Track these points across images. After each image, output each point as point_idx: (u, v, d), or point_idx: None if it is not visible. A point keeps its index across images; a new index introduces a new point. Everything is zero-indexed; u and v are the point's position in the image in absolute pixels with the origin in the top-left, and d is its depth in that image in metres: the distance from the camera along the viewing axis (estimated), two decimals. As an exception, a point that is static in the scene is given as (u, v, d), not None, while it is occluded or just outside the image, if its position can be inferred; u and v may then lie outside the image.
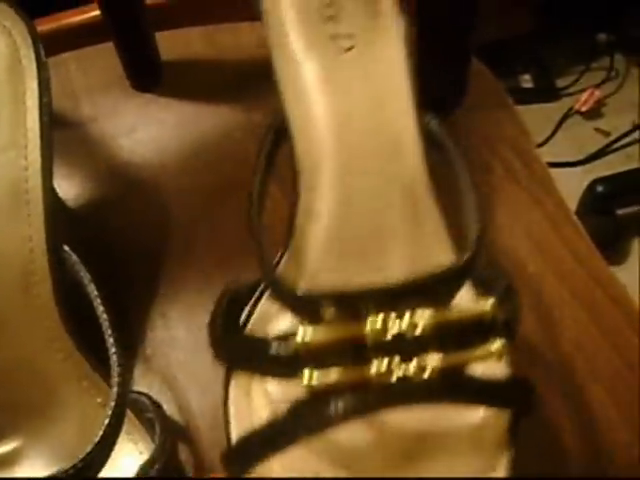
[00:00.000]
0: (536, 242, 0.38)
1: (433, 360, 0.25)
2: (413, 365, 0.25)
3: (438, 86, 0.42)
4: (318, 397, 0.25)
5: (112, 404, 0.30)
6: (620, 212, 0.94)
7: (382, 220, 0.31)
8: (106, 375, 0.33)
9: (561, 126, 1.04)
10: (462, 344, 0.25)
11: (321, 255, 0.30)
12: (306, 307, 0.27)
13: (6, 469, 0.33)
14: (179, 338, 0.37)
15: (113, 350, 0.31)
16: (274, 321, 0.30)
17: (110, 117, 0.43)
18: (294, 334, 0.26)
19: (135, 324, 0.37)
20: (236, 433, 0.29)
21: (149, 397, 0.34)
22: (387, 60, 0.33)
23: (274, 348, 0.26)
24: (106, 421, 0.29)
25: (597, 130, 1.03)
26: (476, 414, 0.27)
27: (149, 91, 0.44)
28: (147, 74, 0.45)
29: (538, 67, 1.07)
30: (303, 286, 0.29)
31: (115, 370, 0.30)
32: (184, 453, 0.34)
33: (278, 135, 0.32)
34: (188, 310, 0.38)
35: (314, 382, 0.25)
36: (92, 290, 0.32)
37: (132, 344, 0.36)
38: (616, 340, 0.35)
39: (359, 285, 0.26)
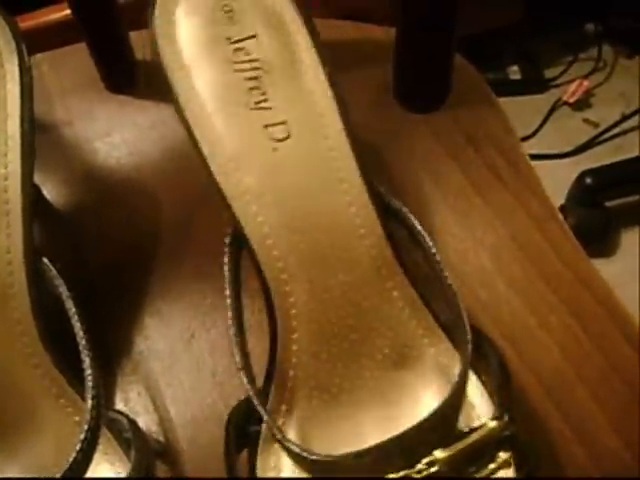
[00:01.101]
0: (521, 244, 0.37)
1: None
2: None
3: (420, 84, 0.41)
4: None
5: (85, 427, 0.29)
6: (609, 204, 0.93)
7: (362, 309, 0.32)
8: (84, 392, 0.32)
9: (550, 117, 1.04)
10: (475, 464, 0.27)
11: (310, 359, 0.31)
12: (325, 470, 0.27)
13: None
14: (158, 350, 0.36)
15: (89, 372, 0.30)
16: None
17: (85, 120, 0.42)
18: None
19: (113, 335, 0.36)
20: None
21: (126, 416, 0.33)
22: (327, 138, 0.32)
23: None
24: (80, 441, 0.28)
25: (586, 121, 1.03)
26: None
27: (124, 92, 0.43)
28: (121, 75, 0.43)
29: (526, 58, 1.06)
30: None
31: (89, 392, 0.30)
32: (162, 469, 0.33)
33: (237, 242, 0.32)
34: (167, 321, 0.37)
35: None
36: (70, 306, 0.31)
37: (110, 356, 0.36)
38: (603, 343, 0.35)
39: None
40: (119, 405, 0.35)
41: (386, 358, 0.32)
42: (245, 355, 0.29)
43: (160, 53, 0.32)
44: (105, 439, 0.31)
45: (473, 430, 0.27)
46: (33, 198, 0.32)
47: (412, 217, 0.32)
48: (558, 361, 0.34)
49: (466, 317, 0.29)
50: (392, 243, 0.32)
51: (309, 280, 0.31)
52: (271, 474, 0.31)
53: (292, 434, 0.31)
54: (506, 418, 0.27)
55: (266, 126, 0.32)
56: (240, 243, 0.32)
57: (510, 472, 0.28)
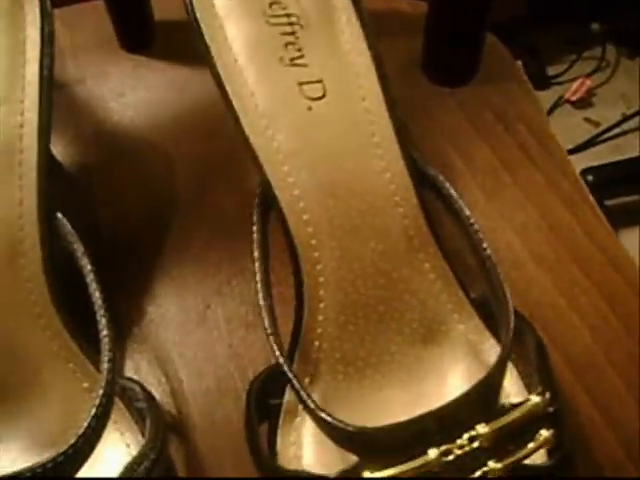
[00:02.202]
0: (551, 224, 0.36)
1: (493, 466, 0.25)
2: (477, 476, 0.25)
3: (451, 57, 0.40)
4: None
5: (100, 392, 0.27)
6: (609, 203, 0.93)
7: (391, 279, 0.30)
8: (94, 358, 0.30)
9: (551, 115, 1.03)
10: (516, 441, 0.26)
11: (336, 330, 0.30)
12: (360, 443, 0.25)
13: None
14: (170, 318, 0.34)
15: (105, 332, 0.28)
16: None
17: (98, 79, 0.40)
18: (352, 471, 0.25)
19: (123, 302, 0.34)
20: None
21: (141, 385, 0.31)
22: (364, 100, 0.31)
23: None
24: (92, 411, 0.26)
25: (587, 120, 1.02)
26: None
27: (139, 53, 0.41)
28: (139, 34, 0.41)
29: (529, 54, 1.05)
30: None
31: (106, 354, 0.28)
32: (173, 443, 0.32)
33: (266, 204, 0.30)
34: (181, 290, 0.35)
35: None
36: (85, 264, 0.29)
37: (120, 323, 0.34)
38: (632, 326, 0.34)
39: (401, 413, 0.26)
40: (129, 375, 0.33)
41: (414, 333, 0.31)
42: (273, 320, 0.28)
43: (193, 3, 0.30)
44: (115, 407, 0.29)
45: (514, 407, 0.26)
46: (49, 150, 0.30)
47: (448, 186, 0.30)
48: (588, 343, 0.33)
49: (507, 288, 0.28)
50: (426, 213, 0.31)
51: (339, 247, 0.30)
52: (291, 450, 0.30)
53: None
54: (549, 395, 0.26)
55: (301, 84, 0.31)
56: (268, 205, 0.30)
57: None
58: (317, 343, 0.30)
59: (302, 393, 0.26)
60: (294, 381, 0.26)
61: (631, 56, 1.09)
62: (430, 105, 0.39)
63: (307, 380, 0.30)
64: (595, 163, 0.94)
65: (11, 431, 0.30)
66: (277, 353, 0.27)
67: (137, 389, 0.31)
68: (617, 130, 1.01)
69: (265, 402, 0.30)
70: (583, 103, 1.04)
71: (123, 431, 0.30)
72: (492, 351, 0.30)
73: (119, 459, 0.28)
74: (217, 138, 0.38)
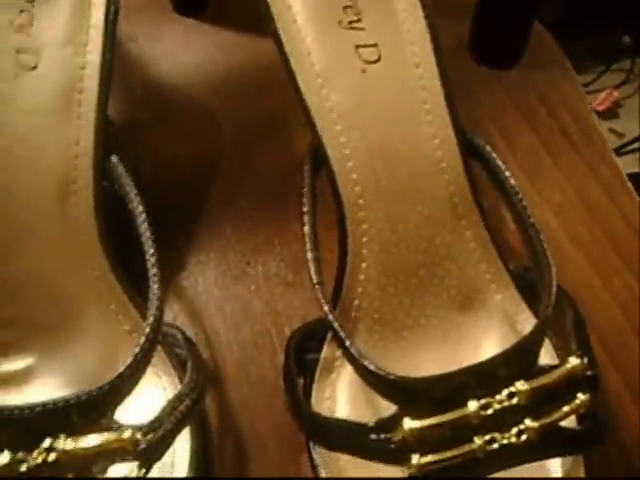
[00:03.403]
0: (588, 207, 0.36)
1: (530, 424, 0.25)
2: (512, 433, 0.25)
3: (498, 40, 0.41)
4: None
5: (145, 333, 0.27)
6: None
7: (433, 245, 0.31)
8: (136, 301, 0.31)
9: (576, 123, 1.03)
10: (553, 403, 0.26)
11: (376, 290, 0.30)
12: (400, 392, 0.26)
13: (15, 387, 0.31)
14: (210, 272, 0.35)
15: (154, 271, 0.28)
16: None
17: (150, 39, 0.41)
18: (391, 419, 0.25)
19: (163, 252, 0.35)
20: None
21: (182, 331, 0.31)
22: (417, 67, 0.31)
23: (376, 435, 0.26)
24: (136, 350, 0.27)
25: (611, 131, 1.03)
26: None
27: (192, 16, 0.42)
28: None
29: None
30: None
31: (154, 295, 0.28)
32: (208, 394, 0.32)
33: (315, 163, 0.31)
34: (223, 246, 0.35)
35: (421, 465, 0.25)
36: (137, 205, 0.29)
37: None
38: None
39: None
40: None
41: (452, 299, 0.31)
42: (320, 271, 0.28)
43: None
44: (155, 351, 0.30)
45: (553, 368, 0.26)
46: (109, 93, 0.31)
47: (495, 156, 0.31)
48: (620, 323, 0.33)
49: (550, 254, 0.28)
50: (471, 182, 0.31)
51: (385, 208, 0.31)
52: (325, 404, 0.30)
53: (350, 366, 0.31)
54: (587, 359, 0.26)
55: (357, 47, 0.31)
56: (319, 163, 0.31)
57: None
58: (357, 302, 0.31)
59: (346, 340, 0.26)
60: (338, 329, 0.27)
61: (660, 72, 1.09)
62: (476, 86, 0.40)
63: None
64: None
65: (50, 367, 0.31)
66: (322, 301, 0.27)
67: (178, 335, 0.31)
68: (640, 144, 1.02)
69: (301, 357, 0.31)
70: (609, 114, 1.04)
71: (161, 375, 0.30)
72: (527, 322, 0.31)
73: (155, 401, 0.29)
74: (264, 100, 0.39)
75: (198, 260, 0.35)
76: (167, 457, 0.28)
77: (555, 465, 0.28)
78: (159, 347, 0.30)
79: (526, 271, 0.32)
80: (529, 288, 0.31)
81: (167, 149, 0.38)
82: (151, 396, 0.29)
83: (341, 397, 0.30)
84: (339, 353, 0.30)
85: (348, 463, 0.28)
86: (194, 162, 0.37)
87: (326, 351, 0.30)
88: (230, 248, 0.35)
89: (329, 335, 0.30)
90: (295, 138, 0.37)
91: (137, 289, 0.31)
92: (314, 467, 0.29)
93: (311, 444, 0.29)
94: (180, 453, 0.29)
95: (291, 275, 0.34)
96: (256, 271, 0.34)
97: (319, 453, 0.29)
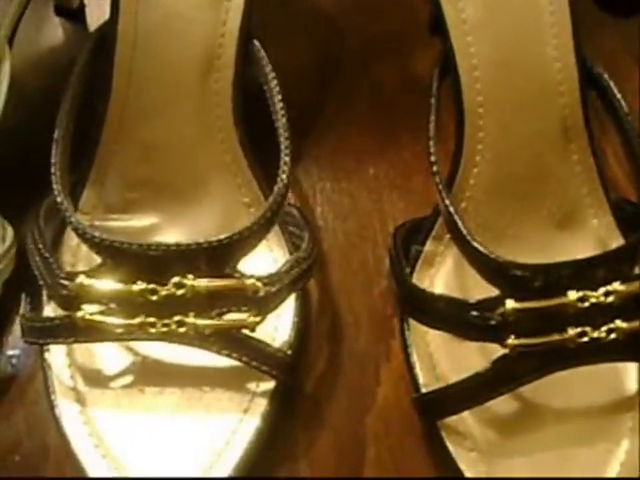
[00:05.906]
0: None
1: (620, 324, 0.27)
2: (602, 330, 0.26)
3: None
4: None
5: (271, 199, 0.29)
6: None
7: (541, 161, 0.32)
8: (259, 177, 0.33)
9: None
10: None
11: (483, 196, 0.32)
12: (504, 277, 0.27)
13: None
14: (322, 167, 0.37)
15: (286, 144, 0.30)
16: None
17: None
18: (494, 299, 0.27)
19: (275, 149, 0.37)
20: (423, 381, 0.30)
21: (299, 209, 0.34)
22: None
23: (477, 311, 0.27)
24: (259, 213, 0.29)
25: None
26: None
27: None
28: None
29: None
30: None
31: (283, 166, 0.30)
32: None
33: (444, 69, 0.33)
34: (334, 145, 0.37)
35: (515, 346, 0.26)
36: (274, 86, 0.32)
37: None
38: None
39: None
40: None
41: (551, 216, 0.33)
42: (437, 162, 0.30)
43: None
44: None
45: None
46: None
47: (612, 85, 0.32)
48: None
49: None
50: (585, 109, 0.33)
51: (502, 120, 0.32)
52: None
53: (449, 262, 0.33)
54: None
55: None
56: (447, 70, 0.33)
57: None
58: (464, 204, 0.33)
59: (458, 221, 0.28)
60: (452, 211, 0.29)
61: None
62: (593, 30, 0.41)
63: (448, 237, 0.32)
64: None
65: (171, 228, 0.33)
66: (439, 187, 0.29)
67: (295, 212, 0.33)
68: None
69: (407, 248, 0.33)
70: None
71: (272, 247, 0.33)
72: (619, 251, 0.32)
73: (264, 270, 0.30)
74: (385, 21, 0.41)
75: (310, 154, 0.37)
76: (272, 320, 0.30)
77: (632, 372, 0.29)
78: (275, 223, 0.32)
79: (628, 204, 0.33)
80: (628, 220, 0.32)
81: (293, 54, 0.40)
82: (261, 264, 0.31)
83: (438, 290, 0.32)
84: (441, 248, 0.33)
85: (438, 349, 0.31)
86: (320, 65, 0.40)
87: (429, 245, 0.33)
88: (342, 149, 0.38)
89: (434, 231, 0.33)
90: (416, 57, 0.39)
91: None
92: (406, 348, 0.31)
93: (405, 326, 0.31)
94: (284, 320, 0.31)
95: (399, 180, 0.36)
96: (366, 172, 0.37)
97: (413, 334, 0.31)
